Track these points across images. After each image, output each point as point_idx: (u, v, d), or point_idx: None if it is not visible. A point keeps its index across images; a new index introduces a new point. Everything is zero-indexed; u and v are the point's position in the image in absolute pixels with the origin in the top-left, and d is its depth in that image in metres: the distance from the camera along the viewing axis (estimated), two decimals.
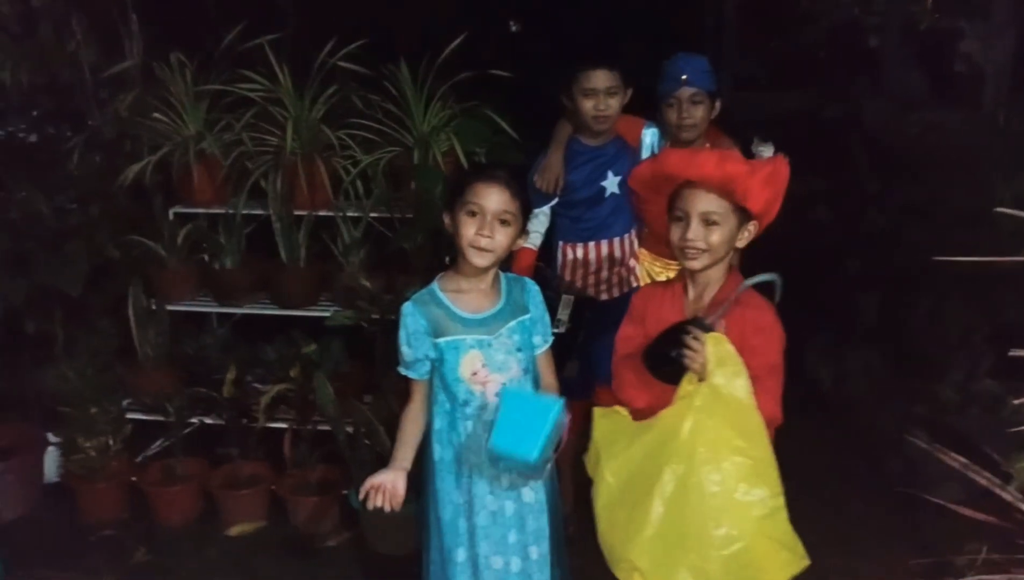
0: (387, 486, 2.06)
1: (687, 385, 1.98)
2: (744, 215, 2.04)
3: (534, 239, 2.89)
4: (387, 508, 2.06)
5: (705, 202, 2.00)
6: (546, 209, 2.91)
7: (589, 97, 2.79)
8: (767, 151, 2.91)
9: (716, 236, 2.01)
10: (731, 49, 7.23)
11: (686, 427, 1.93)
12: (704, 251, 2.02)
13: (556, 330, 2.71)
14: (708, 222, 2.01)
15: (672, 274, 2.66)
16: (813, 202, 4.45)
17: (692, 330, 1.95)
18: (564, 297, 2.82)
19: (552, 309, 2.72)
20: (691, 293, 2.13)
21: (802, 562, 1.98)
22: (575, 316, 2.80)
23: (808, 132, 5.02)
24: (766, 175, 2.00)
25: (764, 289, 2.04)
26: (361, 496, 2.08)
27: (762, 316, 2.05)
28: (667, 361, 1.97)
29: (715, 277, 2.10)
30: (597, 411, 2.14)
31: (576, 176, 2.87)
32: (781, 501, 1.96)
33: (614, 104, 2.81)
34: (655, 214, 2.16)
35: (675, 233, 2.05)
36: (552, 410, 1.98)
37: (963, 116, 4.67)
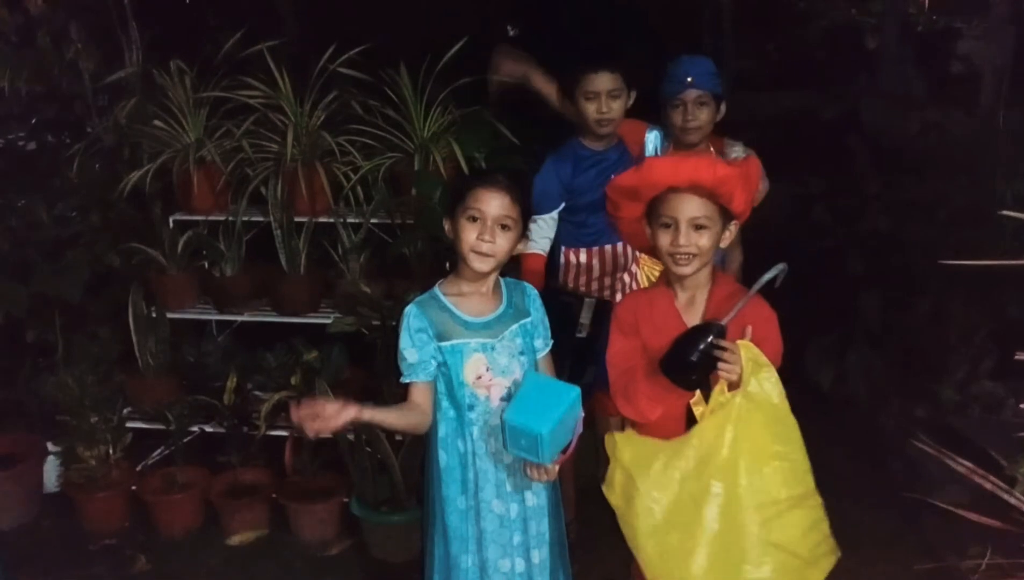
0: (326, 413, 1.97)
1: (719, 395, 1.97)
2: (726, 216, 2.05)
3: (542, 244, 2.88)
4: (310, 434, 1.99)
5: (693, 207, 2.00)
6: (553, 214, 2.89)
7: (592, 100, 2.78)
8: (738, 151, 2.92)
9: (705, 240, 2.02)
10: (729, 50, 7.23)
11: (727, 440, 1.92)
12: (695, 256, 2.02)
13: (579, 334, 2.71)
14: (697, 227, 2.01)
15: None
16: (811, 203, 4.46)
17: (720, 341, 1.94)
18: (587, 301, 2.80)
19: (571, 314, 2.74)
20: (681, 297, 2.12)
21: (836, 553, 2.02)
22: (596, 320, 2.78)
23: (807, 133, 5.04)
24: (746, 176, 2.03)
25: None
26: (293, 413, 1.98)
27: (761, 306, 2.07)
28: (691, 368, 1.96)
29: (703, 279, 2.10)
30: (618, 437, 2.10)
31: (581, 181, 2.86)
32: (818, 497, 2.00)
33: (617, 107, 2.79)
34: (630, 220, 2.14)
35: (663, 239, 2.04)
36: (570, 394, 1.99)
37: (962, 116, 4.67)
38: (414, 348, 2.12)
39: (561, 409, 1.96)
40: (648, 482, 2.00)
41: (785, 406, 1.97)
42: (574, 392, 2.00)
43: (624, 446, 2.06)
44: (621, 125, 2.88)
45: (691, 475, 1.96)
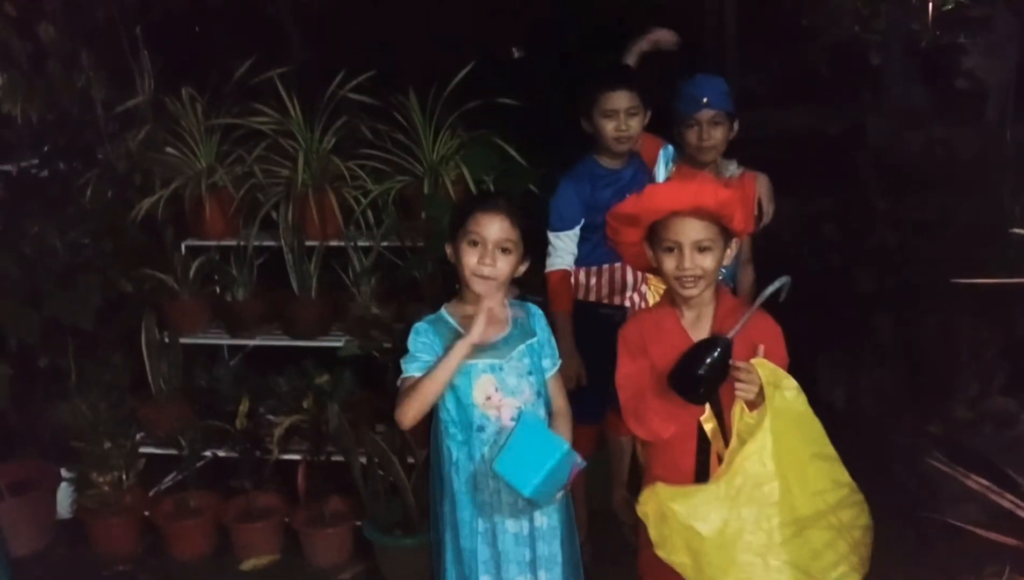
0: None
1: (743, 416, 1.97)
2: (727, 235, 2.07)
3: (567, 260, 2.89)
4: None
5: (696, 230, 2.02)
6: (575, 230, 2.89)
7: (610, 118, 2.80)
8: (733, 168, 2.93)
9: (710, 261, 2.04)
10: (734, 68, 7.25)
11: (770, 467, 1.93)
12: (701, 278, 2.04)
13: None
14: (701, 249, 2.03)
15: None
16: (820, 220, 4.46)
17: (733, 360, 1.96)
18: (629, 311, 2.82)
19: (612, 326, 2.75)
20: (687, 315, 2.13)
21: (870, 520, 2.06)
22: None
23: (814, 150, 5.04)
24: (745, 195, 2.07)
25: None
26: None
27: (766, 320, 2.09)
28: (699, 382, 1.97)
29: (708, 297, 2.12)
30: (661, 495, 2.00)
31: (599, 198, 2.86)
32: (852, 482, 2.05)
33: (635, 125, 2.82)
34: (629, 244, 2.16)
35: (668, 264, 2.05)
36: (556, 453, 2.04)
37: (971, 132, 4.68)
38: (419, 350, 2.14)
39: (549, 465, 2.01)
40: (713, 528, 1.95)
41: (810, 411, 1.99)
42: (560, 450, 2.05)
43: (673, 502, 1.98)
44: (640, 139, 2.90)
45: (751, 509, 1.94)
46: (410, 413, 2.10)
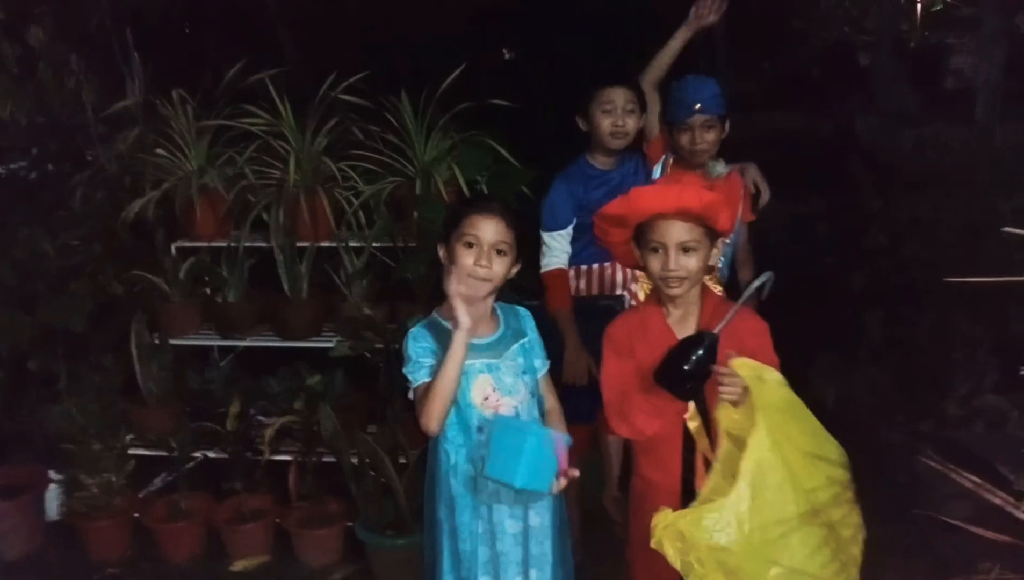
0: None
1: (732, 415, 1.97)
2: (713, 234, 2.09)
3: (562, 258, 2.91)
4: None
5: (681, 232, 2.04)
6: (568, 229, 2.90)
7: (608, 114, 2.83)
8: (720, 169, 2.95)
9: (695, 262, 2.05)
10: (724, 69, 7.27)
11: (773, 463, 1.92)
12: (685, 278, 2.06)
13: None
14: (686, 250, 2.04)
15: None
16: (813, 221, 4.48)
17: (725, 362, 1.96)
18: (630, 304, 2.82)
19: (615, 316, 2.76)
20: (674, 314, 2.15)
21: (861, 518, 2.06)
22: None
23: (806, 151, 5.06)
24: (730, 197, 2.07)
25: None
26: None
27: (751, 318, 2.11)
28: (686, 377, 1.97)
29: (694, 297, 2.14)
30: (679, 524, 1.93)
31: (591, 198, 2.87)
32: (846, 477, 2.04)
33: (631, 122, 2.84)
34: (618, 244, 2.18)
35: (654, 264, 2.07)
36: (530, 436, 2.02)
37: (959, 133, 4.70)
38: (422, 355, 2.13)
39: (526, 449, 1.99)
40: (739, 539, 1.91)
41: (798, 399, 1.99)
42: (535, 431, 2.04)
43: (696, 528, 1.91)
44: (652, 139, 2.93)
45: (767, 510, 1.92)
46: (435, 417, 2.08)
